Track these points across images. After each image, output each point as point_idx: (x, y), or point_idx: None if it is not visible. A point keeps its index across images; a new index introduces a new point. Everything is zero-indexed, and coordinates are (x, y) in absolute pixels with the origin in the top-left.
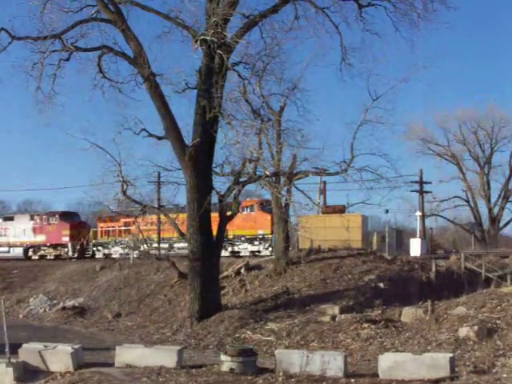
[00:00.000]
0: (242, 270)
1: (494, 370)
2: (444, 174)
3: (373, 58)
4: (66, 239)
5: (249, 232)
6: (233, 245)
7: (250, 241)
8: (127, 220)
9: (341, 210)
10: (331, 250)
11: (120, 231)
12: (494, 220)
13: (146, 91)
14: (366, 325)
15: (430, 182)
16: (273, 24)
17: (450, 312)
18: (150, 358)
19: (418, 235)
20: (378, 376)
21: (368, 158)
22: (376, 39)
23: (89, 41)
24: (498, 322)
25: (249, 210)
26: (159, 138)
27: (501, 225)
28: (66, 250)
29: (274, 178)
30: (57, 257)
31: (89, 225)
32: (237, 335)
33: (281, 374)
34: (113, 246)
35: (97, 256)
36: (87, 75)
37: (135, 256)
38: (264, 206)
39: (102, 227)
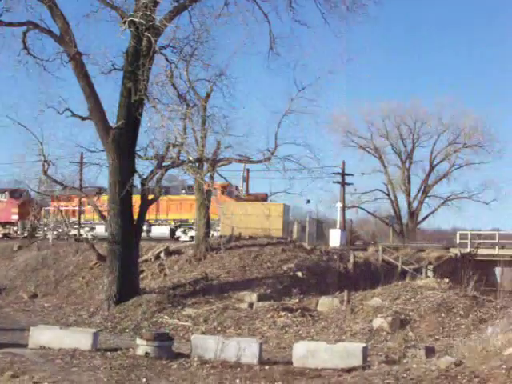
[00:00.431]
0: (162, 255)
1: (404, 361)
2: (366, 167)
3: (300, 49)
4: (15, 217)
5: (211, 216)
6: (192, 229)
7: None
8: (82, 200)
9: (263, 198)
10: (252, 238)
11: (74, 211)
12: (412, 214)
13: (72, 70)
14: (282, 313)
15: (352, 174)
16: (202, 9)
17: (366, 303)
18: (65, 340)
19: (338, 226)
20: (291, 364)
21: (292, 147)
22: (305, 30)
23: (14, 15)
24: (411, 313)
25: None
26: (83, 119)
27: (419, 219)
28: (15, 228)
29: (197, 164)
30: (5, 235)
31: (40, 203)
32: (154, 319)
33: (196, 359)
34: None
35: (48, 236)
36: (11, 51)
37: (54, 237)
38: (227, 190)
39: (54, 206)
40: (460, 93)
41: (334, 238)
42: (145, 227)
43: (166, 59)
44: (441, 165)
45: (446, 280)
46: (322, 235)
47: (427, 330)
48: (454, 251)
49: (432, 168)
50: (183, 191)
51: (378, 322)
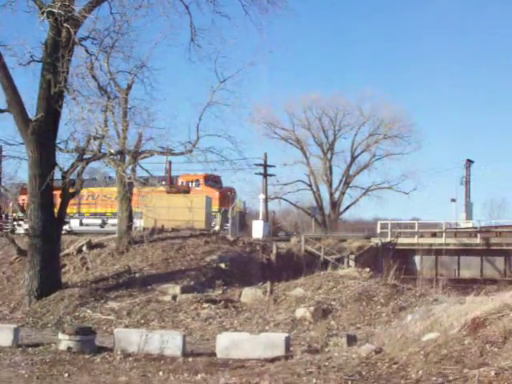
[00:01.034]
0: (84, 248)
1: (326, 349)
2: (288, 158)
3: (222, 40)
4: None
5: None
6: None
7: None
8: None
9: (185, 190)
10: (174, 230)
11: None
12: (334, 204)
13: None
14: (206, 305)
15: (274, 166)
16: (122, 0)
17: (289, 293)
18: None
19: (260, 217)
20: (215, 355)
21: (214, 139)
22: (226, 22)
23: None
24: (333, 303)
25: (194, 184)
26: (1, 111)
27: (341, 209)
28: None
29: (118, 157)
30: None
31: (8, 197)
32: (76, 314)
33: (119, 352)
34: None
35: (17, 231)
36: None
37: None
38: (211, 180)
39: (24, 200)
40: (380, 84)
41: (257, 230)
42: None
43: (86, 51)
44: (362, 155)
45: (367, 269)
46: (245, 226)
47: (349, 319)
48: (374, 241)
49: (353, 159)
50: (163, 182)
51: (300, 311)
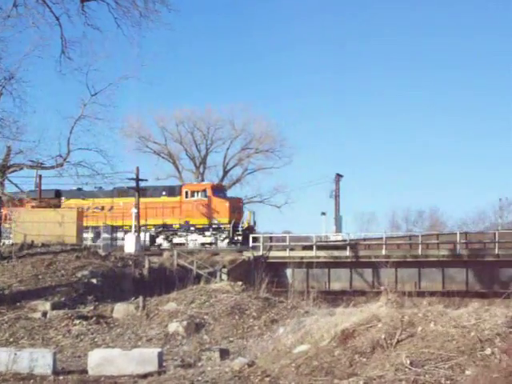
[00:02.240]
0: None
1: (199, 364)
2: (161, 172)
3: (93, 53)
4: None
5: (199, 221)
6: (177, 235)
7: (201, 231)
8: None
9: (55, 204)
10: (45, 246)
11: None
12: None
13: None
14: (77, 321)
15: (147, 180)
16: None
17: (161, 308)
18: None
19: (133, 231)
20: (87, 372)
21: (86, 153)
22: (98, 34)
23: None
24: (205, 317)
25: (200, 195)
26: None
27: None
28: None
29: None
30: None
31: None
32: None
33: None
34: None
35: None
36: None
37: None
38: (219, 190)
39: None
40: (253, 98)
41: (129, 244)
42: (119, 234)
43: None
44: (234, 169)
45: (240, 283)
46: (117, 241)
47: (222, 333)
48: (247, 254)
49: (225, 173)
50: (164, 193)
51: (173, 326)
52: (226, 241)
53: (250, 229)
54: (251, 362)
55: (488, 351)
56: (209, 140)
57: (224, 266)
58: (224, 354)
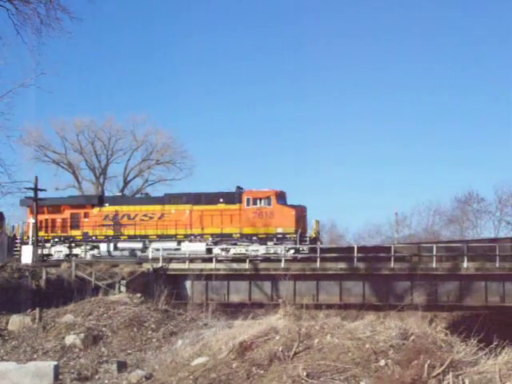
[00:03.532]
0: None
1: (97, 377)
2: (60, 182)
3: None
4: None
5: (261, 230)
6: (237, 245)
7: (264, 241)
8: (75, 211)
9: None
10: None
11: (64, 225)
12: None
13: None
14: None
15: (45, 190)
16: None
17: (58, 320)
18: None
19: (30, 242)
20: None
21: None
22: None
23: None
24: (103, 329)
25: (264, 202)
26: None
27: None
28: None
29: None
30: None
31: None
32: None
33: None
34: (53, 245)
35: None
36: None
37: None
38: (283, 197)
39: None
40: (153, 110)
41: (26, 255)
42: (171, 244)
43: None
44: (135, 180)
45: (139, 294)
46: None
47: (120, 345)
48: (146, 266)
49: (126, 184)
50: (221, 200)
51: (70, 338)
52: (292, 251)
53: (317, 239)
54: (149, 374)
55: (382, 363)
56: (109, 150)
57: (123, 278)
58: (122, 366)
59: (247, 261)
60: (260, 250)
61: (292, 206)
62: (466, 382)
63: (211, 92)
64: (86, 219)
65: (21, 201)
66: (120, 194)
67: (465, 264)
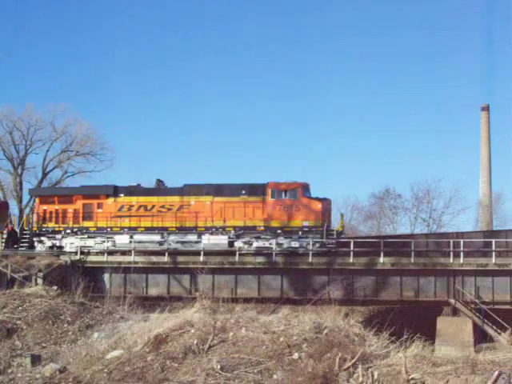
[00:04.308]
0: None
1: (9, 370)
2: None
3: None
4: None
5: (287, 223)
6: (260, 238)
7: (289, 234)
8: (87, 201)
9: None
10: None
11: (76, 216)
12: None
13: None
14: None
15: None
16: None
17: None
18: None
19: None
20: None
21: None
22: None
23: None
24: (18, 322)
25: (289, 194)
26: None
27: None
28: None
29: None
30: None
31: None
32: None
33: None
34: (64, 237)
35: (38, 248)
36: None
37: None
38: (307, 190)
39: (45, 210)
40: (74, 101)
41: None
42: (191, 237)
43: None
44: (54, 172)
45: (55, 287)
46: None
47: (35, 338)
48: (64, 258)
49: (45, 175)
50: (243, 191)
51: None
52: (317, 245)
53: (342, 233)
54: (63, 368)
55: (295, 356)
56: (28, 141)
57: (40, 270)
58: (35, 359)
59: (166, 254)
60: (284, 243)
61: (318, 199)
62: (375, 374)
63: (140, 83)
64: (100, 210)
65: (29, 190)
66: (135, 184)
67: (381, 259)
